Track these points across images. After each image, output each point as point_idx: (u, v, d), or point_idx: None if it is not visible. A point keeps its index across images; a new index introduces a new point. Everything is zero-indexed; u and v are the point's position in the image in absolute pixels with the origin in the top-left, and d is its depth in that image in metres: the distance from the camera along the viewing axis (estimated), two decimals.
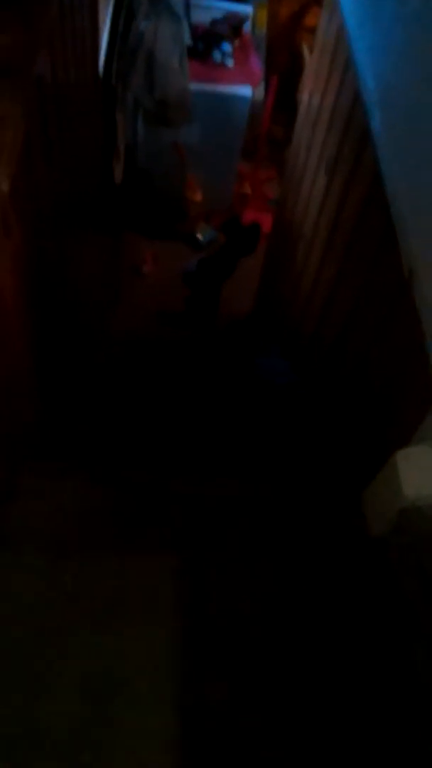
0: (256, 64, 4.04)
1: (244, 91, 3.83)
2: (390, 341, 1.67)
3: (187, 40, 3.75)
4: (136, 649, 1.27)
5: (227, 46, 3.85)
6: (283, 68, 4.79)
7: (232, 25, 3.94)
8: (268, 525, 1.57)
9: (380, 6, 1.80)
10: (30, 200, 1.31)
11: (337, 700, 1.28)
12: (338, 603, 1.45)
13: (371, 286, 1.84)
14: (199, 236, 4.39)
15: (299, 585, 1.49)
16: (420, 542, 1.34)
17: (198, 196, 4.19)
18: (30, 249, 1.33)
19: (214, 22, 3.92)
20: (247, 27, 4.07)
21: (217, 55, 3.84)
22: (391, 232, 1.61)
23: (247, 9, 4.10)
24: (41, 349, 1.62)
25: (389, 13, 1.73)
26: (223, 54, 3.84)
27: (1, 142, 1.07)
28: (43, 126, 1.47)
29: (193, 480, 1.60)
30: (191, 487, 1.56)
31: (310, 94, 2.71)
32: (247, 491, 1.63)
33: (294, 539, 1.58)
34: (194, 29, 3.85)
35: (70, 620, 1.29)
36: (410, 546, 1.37)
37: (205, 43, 3.82)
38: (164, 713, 1.17)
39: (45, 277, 1.61)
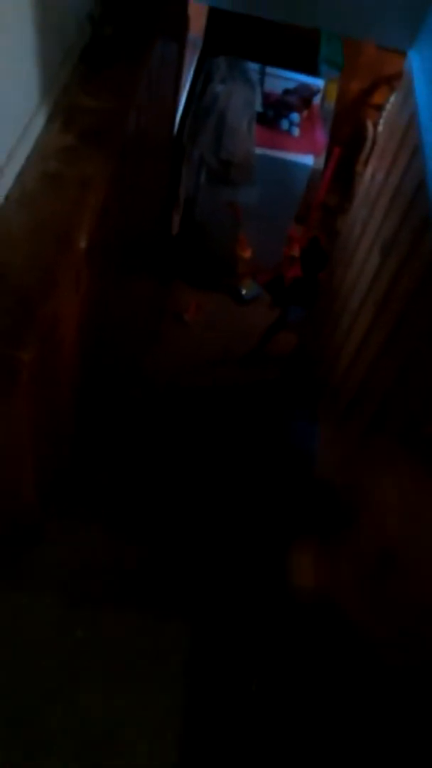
0: (321, 135, 4.16)
1: (306, 159, 3.93)
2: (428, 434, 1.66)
3: (258, 106, 3.90)
4: (140, 712, 1.25)
5: (295, 116, 3.98)
6: (346, 140, 4.94)
7: (303, 97, 4.08)
8: (282, 603, 1.54)
9: None
10: (102, 251, 1.35)
11: None
12: (346, 686, 1.41)
13: (416, 372, 1.84)
14: (244, 291, 4.47)
15: (309, 667, 1.45)
16: None
17: (248, 254, 4.28)
18: (94, 298, 1.37)
19: (286, 92, 4.06)
20: (317, 99, 4.21)
21: (284, 123, 3.96)
22: None
23: (318, 82, 4.25)
24: (84, 391, 1.64)
25: None
26: (291, 123, 3.97)
27: (85, 203, 1.12)
28: (121, 179, 1.53)
29: (216, 547, 1.59)
30: (213, 555, 1.55)
31: (373, 172, 2.77)
32: (266, 566, 1.61)
33: (306, 618, 1.54)
34: (266, 97, 4.00)
35: (77, 672, 1.28)
36: None
37: (274, 110, 3.96)
38: None
39: (103, 316, 1.65)
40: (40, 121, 1.25)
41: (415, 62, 2.40)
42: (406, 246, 2.08)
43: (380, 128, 4.64)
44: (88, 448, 1.83)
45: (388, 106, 4.43)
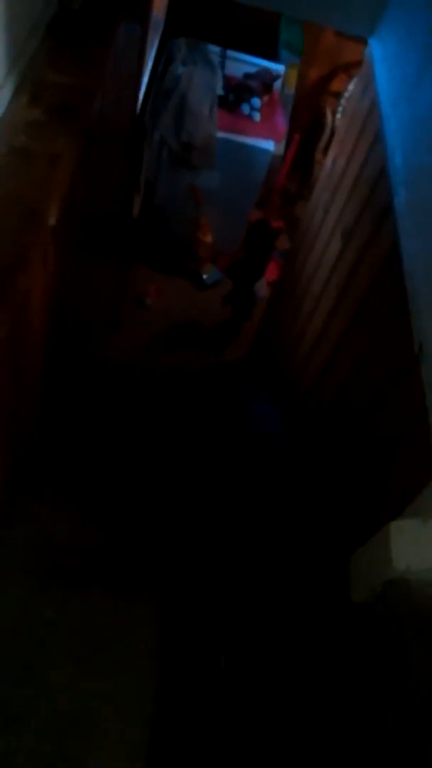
0: (282, 121, 4.18)
1: (267, 145, 3.95)
2: (391, 410, 1.71)
3: (220, 89, 3.89)
4: (111, 692, 1.26)
5: (256, 101, 3.99)
6: (305, 127, 4.97)
7: (264, 81, 4.09)
8: (250, 579, 1.57)
9: (418, 91, 1.89)
10: (67, 231, 1.34)
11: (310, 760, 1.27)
12: (314, 661, 1.45)
13: (377, 353, 1.88)
14: (205, 276, 4.47)
15: (276, 641, 1.49)
16: (404, 614, 1.36)
17: (209, 238, 4.27)
18: (61, 277, 1.36)
19: (247, 76, 4.06)
20: (277, 85, 4.22)
21: (245, 108, 3.96)
22: (402, 305, 1.66)
23: (279, 68, 4.26)
24: (50, 372, 1.63)
25: (427, 99, 1.81)
26: (252, 107, 3.97)
27: (54, 179, 1.11)
28: (88, 159, 1.51)
29: (181, 529, 1.60)
30: (179, 537, 1.56)
31: (334, 158, 2.80)
32: (232, 545, 1.64)
33: (273, 596, 1.58)
34: (227, 80, 3.98)
35: (48, 653, 1.28)
36: (394, 616, 1.38)
37: (235, 94, 3.95)
38: (134, 763, 1.16)
39: (66, 298, 1.63)
40: (6, 94, 1.22)
41: (376, 50, 2.44)
42: (367, 232, 2.12)
43: (339, 116, 4.68)
44: (55, 432, 1.81)
45: (348, 94, 4.47)
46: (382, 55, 2.35)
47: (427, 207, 1.68)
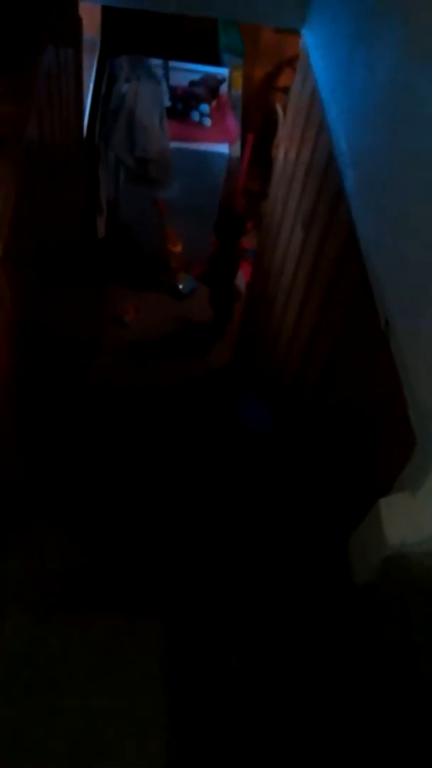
0: (233, 123, 4.21)
1: (221, 148, 3.97)
2: (369, 389, 1.72)
3: (167, 101, 3.91)
4: (123, 711, 1.26)
5: (205, 107, 4.01)
6: (259, 126, 5.00)
7: (209, 87, 4.12)
8: (251, 579, 1.57)
9: (352, 74, 1.91)
10: (19, 260, 1.35)
11: (326, 756, 1.27)
12: (324, 653, 1.45)
13: (349, 336, 1.90)
14: (180, 286, 4.48)
15: (284, 636, 1.48)
16: (405, 589, 1.36)
17: (178, 248, 4.29)
18: (19, 310, 1.36)
19: (192, 84, 4.09)
20: (223, 88, 4.25)
21: (195, 115, 3.99)
22: (366, 284, 1.67)
23: (222, 71, 4.29)
24: (24, 403, 1.63)
25: (360, 81, 1.84)
26: (201, 114, 4.00)
27: None
28: (30, 185, 1.52)
29: (177, 537, 1.60)
30: (175, 545, 1.56)
31: (285, 152, 2.82)
32: (231, 545, 1.64)
33: (277, 591, 1.58)
34: (173, 91, 4.01)
35: (55, 679, 1.28)
36: (396, 593, 1.38)
37: (183, 103, 3.98)
38: None
39: (31, 329, 1.64)
40: None
41: (309, 40, 2.46)
42: (325, 218, 2.14)
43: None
44: (41, 460, 1.82)
45: (292, 86, 4.50)
46: (315, 44, 2.38)
47: (374, 186, 1.69)
